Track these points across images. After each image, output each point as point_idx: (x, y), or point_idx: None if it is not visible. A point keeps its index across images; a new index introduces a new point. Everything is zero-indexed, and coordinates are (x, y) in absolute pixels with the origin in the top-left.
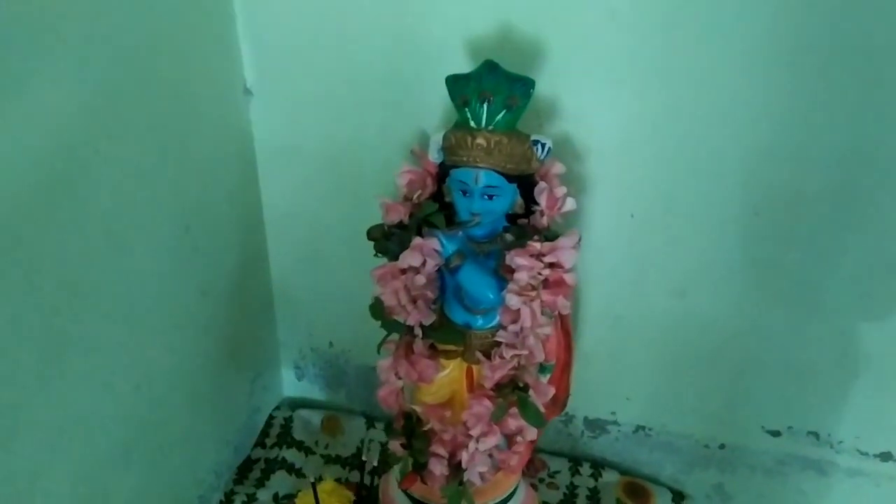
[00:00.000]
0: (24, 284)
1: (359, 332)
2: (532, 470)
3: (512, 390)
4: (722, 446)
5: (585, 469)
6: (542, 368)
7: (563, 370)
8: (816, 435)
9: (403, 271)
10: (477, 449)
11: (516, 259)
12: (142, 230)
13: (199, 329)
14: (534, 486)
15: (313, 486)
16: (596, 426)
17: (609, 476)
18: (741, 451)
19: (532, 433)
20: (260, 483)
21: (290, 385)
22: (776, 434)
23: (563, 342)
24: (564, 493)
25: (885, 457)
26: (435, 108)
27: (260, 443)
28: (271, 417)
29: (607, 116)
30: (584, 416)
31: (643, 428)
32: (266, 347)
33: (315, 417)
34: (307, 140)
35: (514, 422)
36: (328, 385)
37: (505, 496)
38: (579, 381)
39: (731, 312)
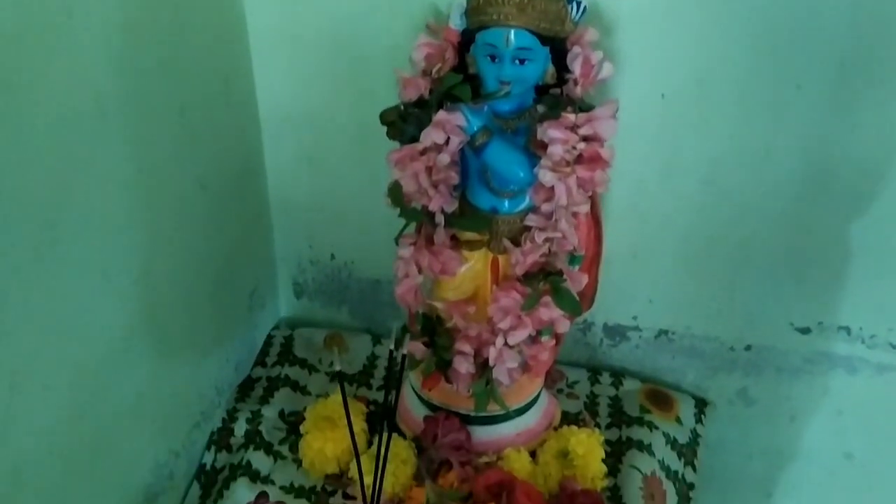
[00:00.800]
0: (15, 168)
1: (363, 241)
2: (550, 380)
3: (544, 277)
4: (748, 347)
5: (605, 378)
6: (572, 259)
7: (592, 262)
8: (848, 330)
9: (424, 152)
10: (505, 344)
11: (550, 131)
12: (134, 110)
13: (197, 226)
14: (554, 397)
15: (339, 375)
16: (616, 333)
17: (630, 384)
18: (768, 352)
19: (564, 324)
20: (264, 400)
21: (289, 303)
22: (806, 331)
23: (594, 231)
24: (585, 403)
25: None
26: None
27: (260, 361)
28: (270, 336)
29: None
30: (604, 322)
31: (666, 332)
32: (263, 260)
33: (317, 335)
34: (305, 24)
35: (546, 312)
36: (329, 302)
37: (528, 401)
38: (599, 285)
39: (764, 201)
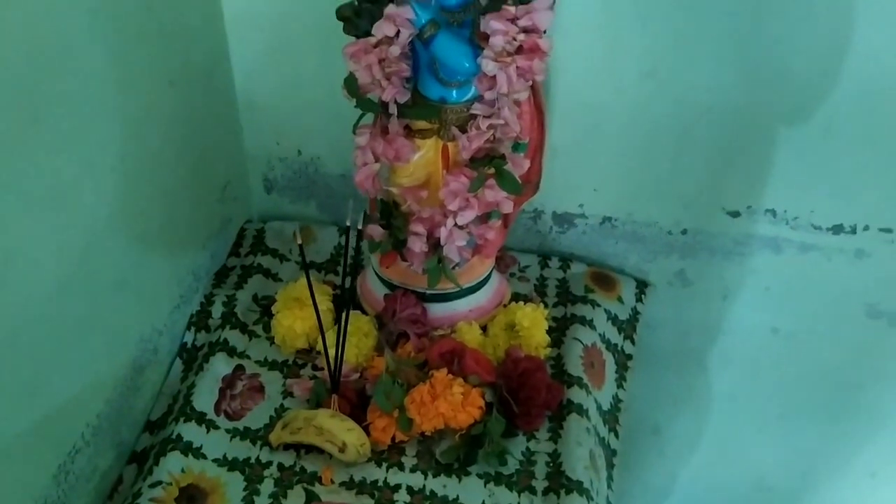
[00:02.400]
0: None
1: (328, 137)
2: (502, 266)
3: (489, 162)
4: (684, 231)
5: (554, 262)
6: (517, 146)
7: (536, 149)
8: (774, 212)
9: (376, 45)
10: (455, 224)
11: (491, 23)
12: (106, 6)
13: (169, 120)
14: (505, 280)
15: (301, 250)
16: (564, 220)
17: (577, 268)
18: (702, 236)
19: (508, 205)
20: (238, 286)
21: (260, 198)
22: (735, 214)
23: (536, 119)
24: (535, 285)
25: (836, 229)
26: None
27: (234, 252)
28: (243, 229)
29: None
30: (553, 210)
31: (609, 219)
32: (233, 156)
33: (287, 228)
34: None
35: (491, 193)
36: (298, 196)
37: (479, 280)
38: (548, 175)
39: (701, 89)
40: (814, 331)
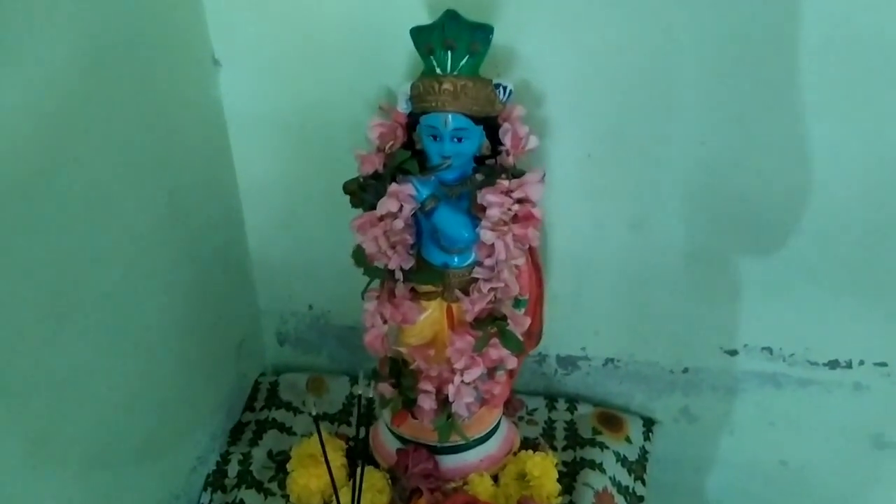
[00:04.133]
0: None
1: (337, 293)
2: (511, 410)
3: (492, 322)
4: (685, 370)
5: (561, 404)
6: (517, 303)
7: (536, 303)
8: (770, 350)
9: (381, 218)
10: (462, 381)
11: (487, 196)
12: (130, 200)
13: (187, 295)
14: (514, 425)
15: (315, 420)
16: (568, 363)
17: (584, 409)
18: (703, 373)
19: (512, 361)
20: (253, 443)
21: (273, 351)
22: (733, 353)
23: (535, 276)
24: (543, 428)
25: (832, 364)
26: (397, 66)
27: (249, 406)
28: (257, 382)
29: (560, 61)
30: (557, 353)
31: (612, 360)
32: (248, 315)
33: (300, 379)
34: (276, 106)
35: (495, 351)
36: (310, 348)
37: (488, 430)
38: (549, 320)
39: (685, 238)
40: (822, 463)
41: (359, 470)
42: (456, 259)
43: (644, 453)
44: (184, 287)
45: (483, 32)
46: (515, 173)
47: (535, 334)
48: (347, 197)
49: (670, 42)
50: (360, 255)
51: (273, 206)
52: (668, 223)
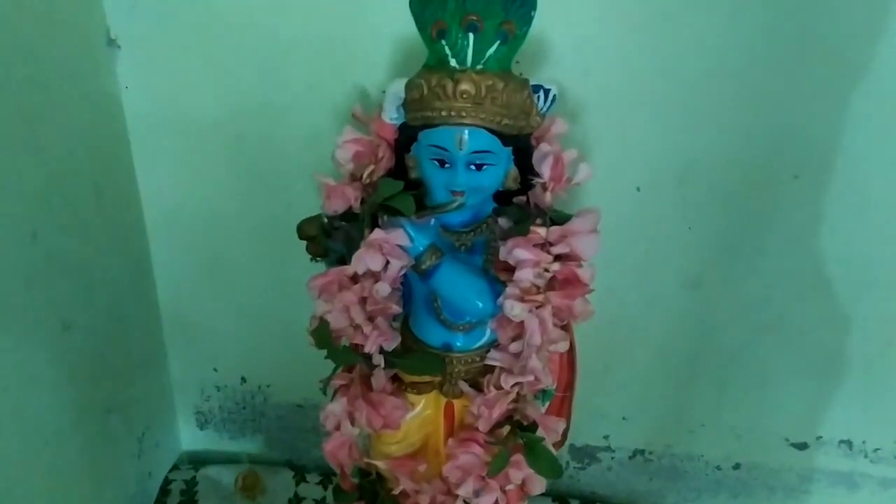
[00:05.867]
0: None
1: (279, 361)
2: None
3: (514, 431)
4: (736, 466)
5: None
6: (543, 394)
7: (564, 392)
8: (850, 443)
9: (356, 279)
10: None
11: (516, 251)
12: None
13: (64, 375)
14: None
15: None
16: (585, 454)
17: None
18: (759, 471)
19: (540, 485)
20: None
21: (190, 437)
22: (803, 447)
23: (566, 357)
24: None
25: None
26: (378, 56)
27: None
28: (167, 482)
29: (608, 57)
30: (571, 443)
31: (642, 452)
32: (155, 391)
33: (226, 475)
34: (197, 106)
35: (517, 474)
36: (241, 432)
37: None
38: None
39: (756, 301)
40: None
41: None
42: (462, 339)
43: None
44: (62, 364)
45: (522, 6)
46: (556, 217)
47: (562, 433)
48: (296, 235)
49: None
50: (323, 333)
51: (191, 244)
52: (735, 281)
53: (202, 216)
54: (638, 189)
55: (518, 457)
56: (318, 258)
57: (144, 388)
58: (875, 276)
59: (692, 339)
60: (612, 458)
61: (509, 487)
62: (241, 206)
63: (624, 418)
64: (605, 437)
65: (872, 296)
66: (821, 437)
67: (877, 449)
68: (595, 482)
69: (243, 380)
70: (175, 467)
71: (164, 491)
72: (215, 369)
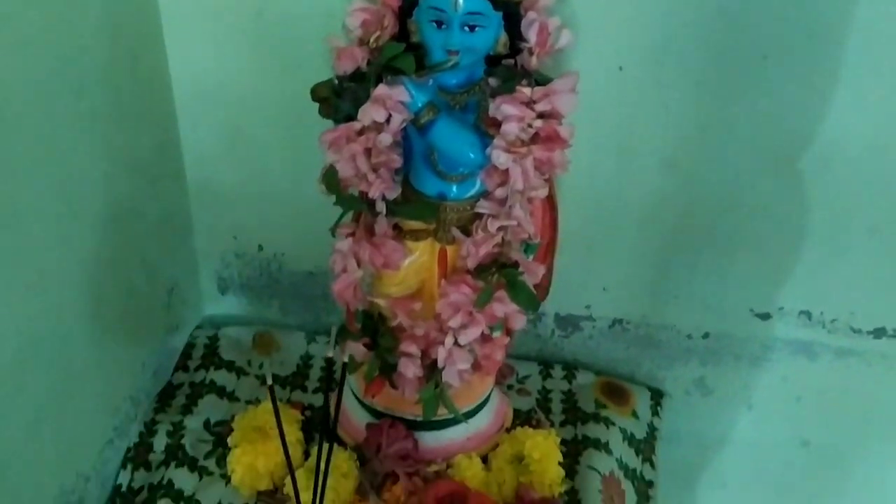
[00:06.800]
0: None
1: (294, 230)
2: (498, 376)
3: (498, 270)
4: (706, 335)
5: (557, 372)
6: (527, 248)
7: (547, 250)
8: (809, 314)
9: (362, 132)
10: (456, 343)
11: (504, 108)
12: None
13: (107, 219)
14: (506, 396)
15: (270, 389)
16: (568, 323)
17: (584, 377)
18: (726, 340)
19: (521, 320)
20: (186, 410)
21: (213, 300)
22: (766, 317)
23: (549, 216)
24: (537, 399)
25: (878, 333)
26: None
27: (182, 365)
28: (193, 337)
29: None
30: (556, 312)
31: (620, 321)
32: (182, 255)
33: (245, 335)
34: None
35: (500, 307)
36: (258, 297)
37: (479, 402)
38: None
39: (727, 182)
40: (849, 444)
41: (324, 447)
42: (455, 189)
43: (652, 430)
44: (100, 213)
45: None
46: (540, 79)
47: (543, 287)
48: (313, 106)
49: None
50: (332, 179)
51: (216, 117)
52: (709, 162)
53: (225, 91)
54: (620, 69)
55: (501, 293)
56: (328, 117)
57: (173, 250)
58: (836, 152)
59: (668, 216)
60: (593, 327)
61: (496, 334)
62: (260, 82)
63: (604, 289)
64: (587, 307)
65: (833, 172)
66: (782, 307)
67: (833, 320)
68: (577, 350)
69: (260, 248)
70: (198, 326)
71: (190, 345)
72: (235, 237)
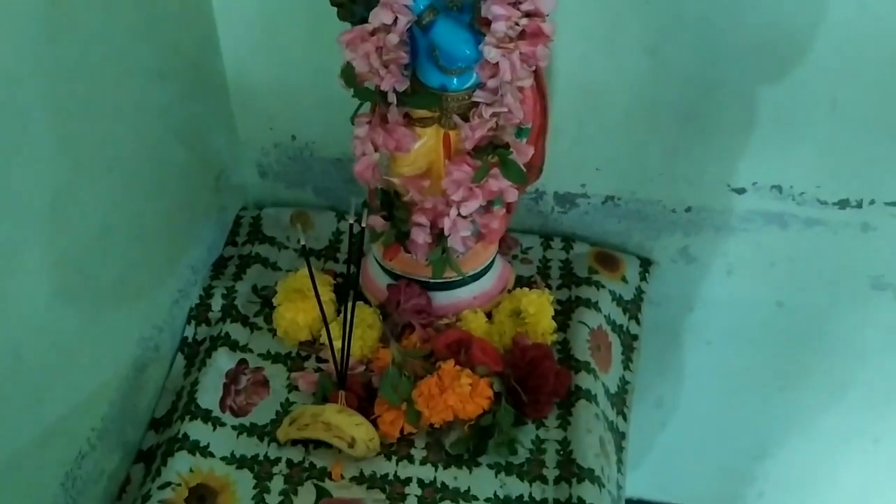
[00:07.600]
0: None
1: (321, 122)
2: (505, 247)
3: (492, 150)
4: (688, 209)
5: (556, 243)
6: (519, 132)
7: (539, 134)
8: (780, 188)
9: (373, 32)
10: (459, 214)
11: (493, 8)
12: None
13: (161, 113)
14: (509, 263)
15: (304, 250)
16: (566, 200)
17: (580, 248)
18: (707, 213)
19: (513, 193)
20: (237, 277)
21: (254, 184)
22: (741, 191)
23: (539, 104)
24: (538, 267)
25: (842, 204)
26: None
27: (231, 241)
28: (239, 216)
29: None
30: (555, 191)
31: (612, 198)
32: (226, 145)
33: (283, 214)
34: None
35: (495, 182)
36: (293, 182)
37: (483, 267)
38: (550, 156)
39: (702, 66)
40: (818, 304)
41: (350, 303)
42: (455, 81)
43: (640, 293)
44: (156, 107)
45: None
46: None
47: (536, 167)
48: (334, 11)
49: None
50: (349, 74)
51: (250, 23)
52: (685, 49)
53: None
54: None
55: (496, 171)
56: (345, 20)
57: (218, 140)
58: (811, 39)
59: (652, 99)
60: (589, 203)
61: (496, 207)
62: None
63: (597, 169)
64: (583, 186)
65: (807, 57)
66: (756, 182)
67: (802, 193)
68: (575, 224)
69: (293, 137)
70: (244, 208)
71: (237, 223)
72: (271, 128)
